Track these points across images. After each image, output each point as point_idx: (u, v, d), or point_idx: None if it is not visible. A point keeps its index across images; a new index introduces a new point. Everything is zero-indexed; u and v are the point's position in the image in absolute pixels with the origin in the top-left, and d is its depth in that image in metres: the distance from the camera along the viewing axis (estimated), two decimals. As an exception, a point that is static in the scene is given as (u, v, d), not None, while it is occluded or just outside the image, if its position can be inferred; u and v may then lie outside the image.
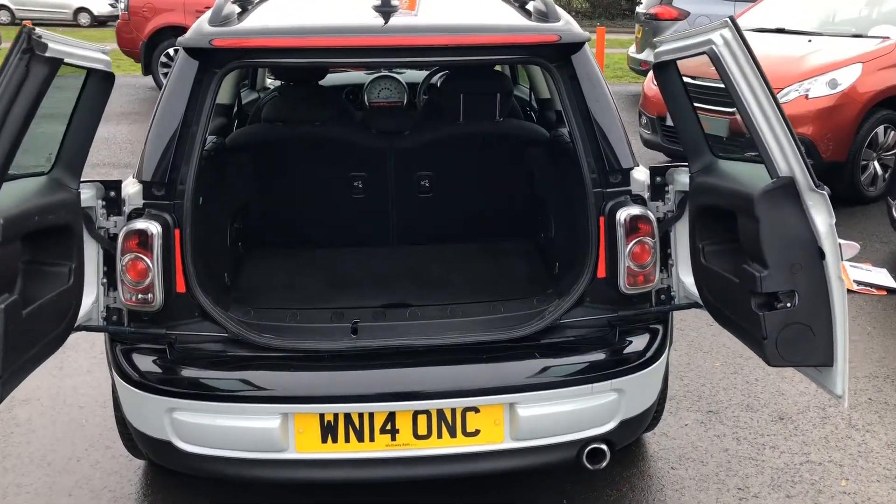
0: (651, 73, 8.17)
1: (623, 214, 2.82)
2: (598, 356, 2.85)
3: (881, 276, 5.50)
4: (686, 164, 2.87)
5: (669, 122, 6.98)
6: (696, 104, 2.85)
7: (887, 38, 7.14)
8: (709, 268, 2.67)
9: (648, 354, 2.87)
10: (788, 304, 2.30)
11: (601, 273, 2.90)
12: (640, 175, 2.93)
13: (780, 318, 2.30)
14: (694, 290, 2.92)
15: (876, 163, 7.07)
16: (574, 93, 2.88)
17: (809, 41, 7.38)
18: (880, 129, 6.96)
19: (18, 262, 2.35)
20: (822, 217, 2.27)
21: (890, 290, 5.33)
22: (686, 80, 2.81)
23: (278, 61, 3.05)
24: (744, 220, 2.39)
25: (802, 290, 2.28)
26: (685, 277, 2.96)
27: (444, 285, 3.33)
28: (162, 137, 2.76)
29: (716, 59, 2.31)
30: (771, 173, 2.34)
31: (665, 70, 2.69)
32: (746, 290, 2.36)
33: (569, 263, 3.17)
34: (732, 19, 2.26)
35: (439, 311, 2.98)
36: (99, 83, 2.68)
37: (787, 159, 2.31)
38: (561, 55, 2.88)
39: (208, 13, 2.83)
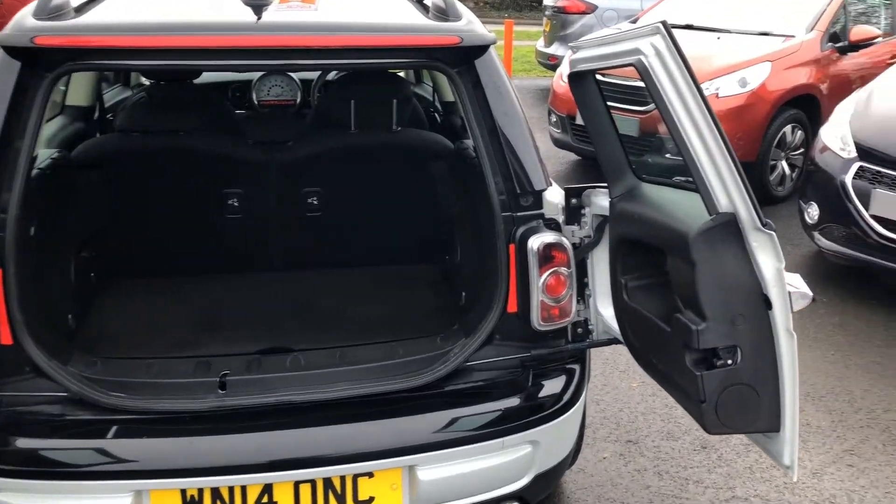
0: (560, 70, 7.94)
1: (536, 242, 2.48)
2: (510, 403, 2.50)
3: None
4: (605, 185, 2.54)
5: (580, 121, 6.73)
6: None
7: (792, 36, 7.08)
8: (633, 308, 2.34)
9: (565, 398, 2.55)
10: (730, 362, 1.98)
11: (512, 307, 2.56)
12: (554, 197, 2.59)
13: (720, 378, 1.98)
14: (614, 324, 2.60)
15: (784, 163, 7.01)
16: (479, 103, 2.51)
17: (718, 38, 7.26)
18: (788, 129, 6.90)
19: None
20: (768, 260, 1.96)
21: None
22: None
23: (121, 64, 2.57)
24: (676, 261, 2.06)
25: (746, 346, 1.97)
26: (604, 309, 2.64)
27: (334, 323, 2.92)
28: None
29: (645, 73, 1.96)
30: (709, 208, 2.00)
31: (582, 80, 2.34)
32: (680, 343, 2.04)
33: (475, 294, 2.81)
34: (665, 25, 1.92)
35: (327, 357, 2.57)
36: None
37: (729, 192, 1.99)
38: (463, 59, 2.50)
39: (34, 2, 2.32)
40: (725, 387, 1.97)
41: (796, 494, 3.29)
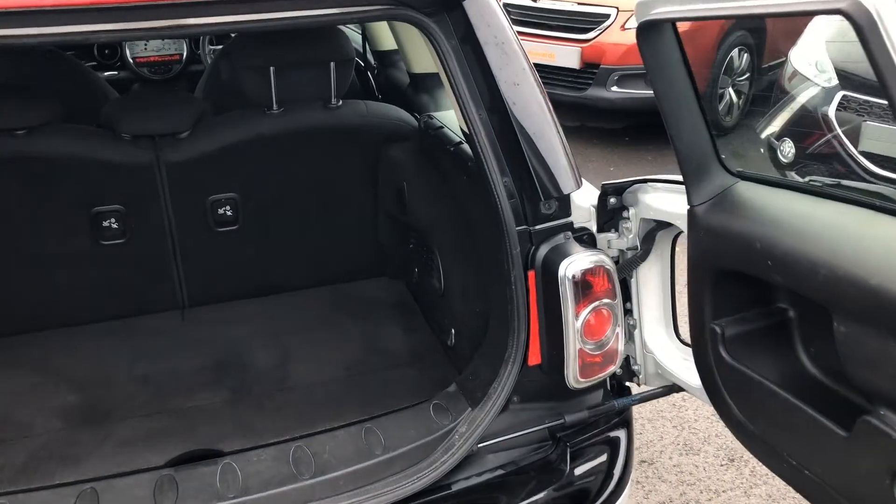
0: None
1: (570, 269, 1.70)
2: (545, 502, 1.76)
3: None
4: (659, 179, 1.76)
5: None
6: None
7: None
8: (740, 371, 1.58)
9: (612, 485, 1.83)
10: None
11: (534, 358, 1.80)
12: (584, 199, 1.81)
13: None
14: (670, 363, 1.88)
15: (731, 90, 6.42)
16: (473, 68, 1.68)
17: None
18: (735, 53, 6.28)
19: None
20: None
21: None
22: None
23: None
24: (870, 336, 1.27)
25: None
26: (655, 344, 1.91)
27: (277, 396, 2.08)
28: None
29: (869, 28, 1.13)
30: None
31: (655, 33, 1.50)
32: (881, 464, 1.29)
33: (472, 333, 2.03)
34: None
35: (275, 463, 1.73)
36: None
37: None
38: (444, 1, 1.65)
39: None
40: None
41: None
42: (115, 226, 2.29)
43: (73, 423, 1.99)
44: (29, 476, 1.79)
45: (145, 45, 3.49)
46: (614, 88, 5.94)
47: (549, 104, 1.71)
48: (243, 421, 1.97)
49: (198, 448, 1.84)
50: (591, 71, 5.97)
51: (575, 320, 1.73)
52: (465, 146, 1.97)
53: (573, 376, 1.77)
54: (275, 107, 2.30)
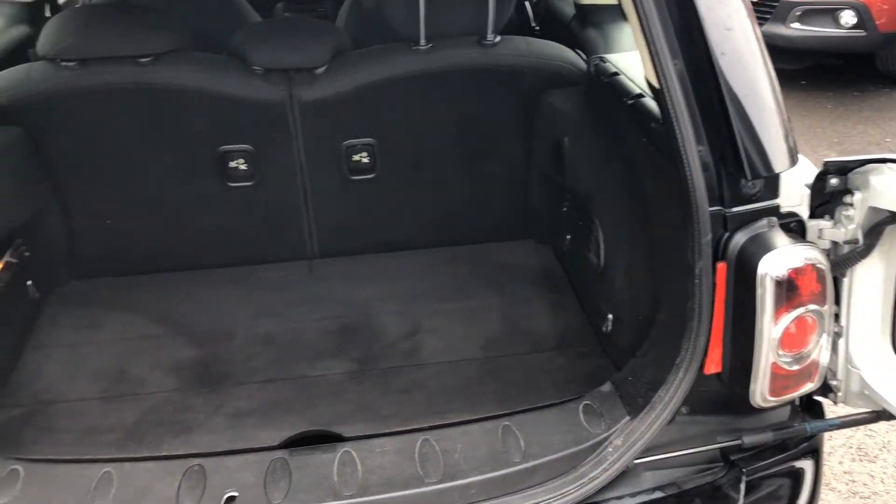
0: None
1: (773, 266, 1.39)
2: None
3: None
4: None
5: None
6: None
7: None
8: None
9: None
10: None
11: (713, 366, 1.49)
12: (798, 178, 1.46)
13: None
14: (883, 385, 1.53)
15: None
16: (671, 2, 1.35)
17: None
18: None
19: None
20: None
21: None
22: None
23: None
24: None
25: None
26: (863, 360, 1.55)
27: (407, 373, 1.86)
28: None
29: None
30: None
31: None
32: None
33: (634, 321, 1.73)
34: None
35: (399, 457, 1.51)
36: None
37: None
38: None
39: None
40: None
41: None
42: (242, 167, 2.10)
43: (187, 384, 1.87)
44: (137, 442, 1.68)
45: None
46: (795, 25, 5.30)
47: (768, 58, 1.35)
48: (366, 401, 1.78)
49: (316, 429, 1.66)
50: (769, 4, 5.34)
51: (772, 328, 1.41)
52: (648, 100, 1.64)
53: (760, 393, 1.46)
54: (423, 42, 2.02)
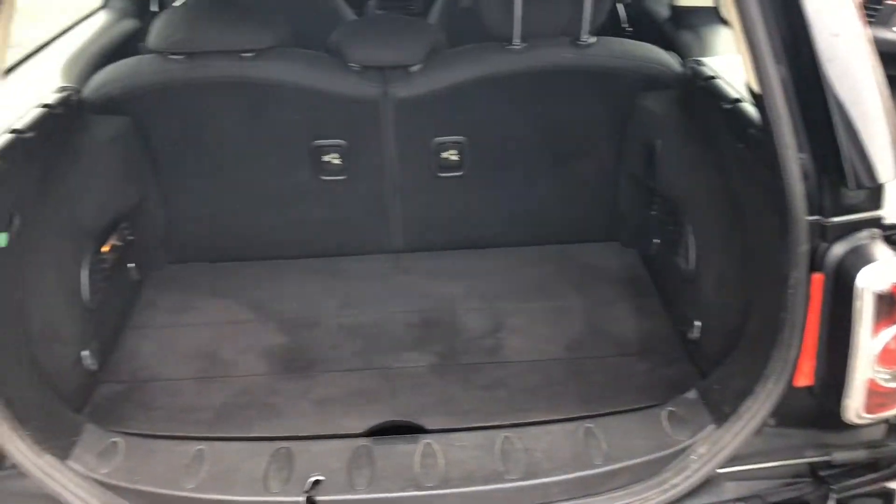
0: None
1: (873, 278, 1.35)
2: None
3: None
4: None
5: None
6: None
7: None
8: None
9: None
10: None
11: (804, 378, 1.46)
12: (901, 186, 1.41)
13: None
14: None
15: None
16: (777, 5, 1.33)
17: None
18: None
19: None
20: None
21: None
22: None
23: None
24: None
25: None
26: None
27: (489, 370, 1.88)
28: None
29: None
30: None
31: None
32: None
33: (722, 329, 1.71)
34: None
35: (479, 452, 1.53)
36: None
37: None
38: None
39: None
40: None
41: None
42: (335, 161, 2.15)
43: (275, 369, 1.93)
44: (228, 422, 1.74)
45: None
46: (901, 29, 5.07)
47: (880, 65, 1.31)
48: (448, 394, 1.80)
49: (399, 419, 1.70)
50: (873, 7, 5.12)
51: (870, 343, 1.37)
52: (746, 106, 1.60)
53: (855, 410, 1.42)
54: (517, 41, 2.02)
